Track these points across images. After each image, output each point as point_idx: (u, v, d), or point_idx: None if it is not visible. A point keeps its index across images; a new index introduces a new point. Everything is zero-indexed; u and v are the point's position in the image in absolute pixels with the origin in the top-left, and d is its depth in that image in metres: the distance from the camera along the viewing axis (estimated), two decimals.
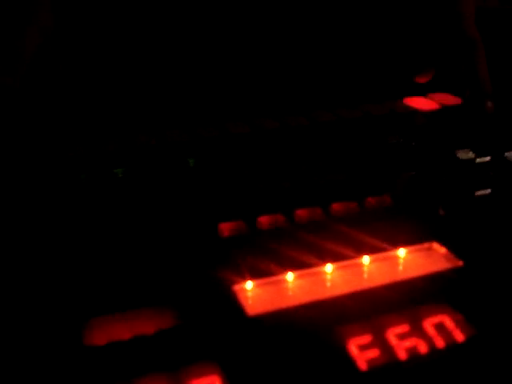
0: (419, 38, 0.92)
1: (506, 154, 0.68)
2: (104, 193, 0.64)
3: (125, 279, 0.50)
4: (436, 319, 0.46)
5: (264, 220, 0.58)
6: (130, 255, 0.52)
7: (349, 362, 0.42)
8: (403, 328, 0.45)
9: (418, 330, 0.45)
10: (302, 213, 0.59)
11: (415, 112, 0.80)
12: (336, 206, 0.60)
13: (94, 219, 0.57)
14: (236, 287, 0.49)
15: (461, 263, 0.52)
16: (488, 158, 0.67)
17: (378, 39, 0.94)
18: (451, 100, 0.83)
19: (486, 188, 0.64)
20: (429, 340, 0.44)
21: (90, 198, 0.62)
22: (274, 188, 0.62)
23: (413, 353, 0.43)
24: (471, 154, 0.67)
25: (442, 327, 0.45)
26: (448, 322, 0.45)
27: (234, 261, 0.52)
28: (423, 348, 0.43)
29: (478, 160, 0.67)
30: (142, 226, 0.56)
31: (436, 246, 0.55)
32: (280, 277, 0.51)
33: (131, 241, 0.54)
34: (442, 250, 0.54)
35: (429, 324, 0.45)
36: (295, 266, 0.52)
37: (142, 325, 0.45)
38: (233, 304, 0.47)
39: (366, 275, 0.52)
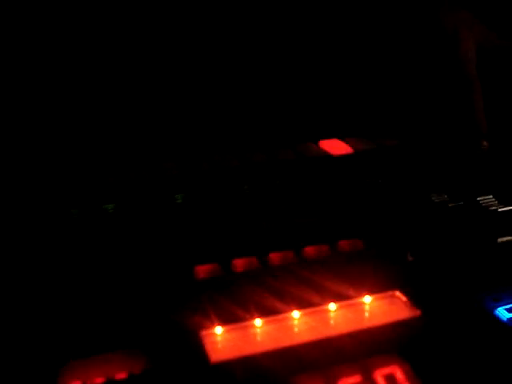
0: (415, 76, 0.94)
1: (479, 198, 0.70)
2: (93, 229, 0.68)
3: (100, 322, 0.53)
4: (387, 370, 0.49)
5: (238, 263, 0.61)
6: (107, 297, 0.56)
7: None
8: (355, 379, 0.48)
9: (368, 381, 0.48)
10: (275, 256, 0.62)
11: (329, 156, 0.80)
12: (308, 250, 0.63)
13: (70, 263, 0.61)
14: (204, 332, 0.52)
15: (419, 313, 0.55)
16: (461, 202, 0.70)
17: (369, 78, 0.96)
18: (365, 145, 0.83)
19: (459, 233, 0.66)
20: None
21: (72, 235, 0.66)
22: (251, 230, 0.66)
23: None
24: (445, 198, 0.70)
25: (392, 379, 0.48)
26: (398, 373, 0.48)
27: (206, 304, 0.55)
28: None
29: (451, 204, 0.69)
30: (119, 266, 0.60)
31: (398, 294, 0.57)
32: (248, 322, 0.54)
33: (108, 283, 0.58)
34: (404, 298, 0.57)
35: (379, 375, 0.48)
36: (264, 311, 0.55)
37: (115, 369, 0.49)
38: (199, 350, 0.50)
39: (330, 322, 0.55)
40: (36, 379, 0.47)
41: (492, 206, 0.69)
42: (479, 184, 0.73)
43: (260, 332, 0.54)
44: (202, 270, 0.60)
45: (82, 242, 0.65)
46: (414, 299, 0.56)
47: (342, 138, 0.81)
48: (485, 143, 0.85)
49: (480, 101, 0.87)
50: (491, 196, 0.70)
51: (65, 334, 0.51)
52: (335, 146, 0.81)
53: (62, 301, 0.55)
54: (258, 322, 0.54)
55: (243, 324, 0.54)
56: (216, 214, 0.69)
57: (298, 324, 0.55)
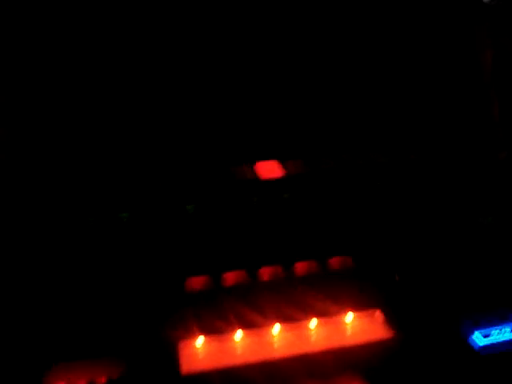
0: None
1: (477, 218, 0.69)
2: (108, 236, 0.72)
3: (89, 328, 0.57)
4: None
5: (229, 277, 0.64)
6: (101, 303, 0.60)
7: None
8: None
9: None
10: (265, 271, 0.64)
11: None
12: (299, 266, 0.65)
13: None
14: (183, 343, 0.55)
15: (392, 335, 0.55)
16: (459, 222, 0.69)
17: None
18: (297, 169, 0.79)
19: (450, 253, 0.66)
20: None
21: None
22: (245, 244, 0.68)
23: None
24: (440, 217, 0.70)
25: None
26: None
27: (192, 316, 0.58)
28: None
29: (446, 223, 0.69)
30: (118, 275, 0.64)
31: (378, 313, 0.58)
32: (229, 335, 0.57)
33: (104, 289, 0.61)
34: (382, 318, 0.58)
35: None
36: (247, 324, 0.58)
37: (96, 373, 0.53)
38: (174, 360, 0.54)
39: (307, 338, 0.57)
40: (25, 376, 0.52)
41: (487, 227, 0.68)
42: (481, 201, 0.72)
43: (238, 345, 0.56)
44: (193, 282, 0.63)
45: (90, 248, 0.69)
46: (393, 319, 0.57)
47: (281, 160, 0.79)
48: (503, 154, 0.83)
49: (496, 109, 0.85)
50: (490, 217, 0.70)
51: (54, 338, 0.56)
52: (269, 169, 0.79)
53: (56, 305, 0.59)
54: (238, 334, 0.57)
55: (224, 336, 0.57)
56: (217, 226, 0.72)
57: (277, 339, 0.57)
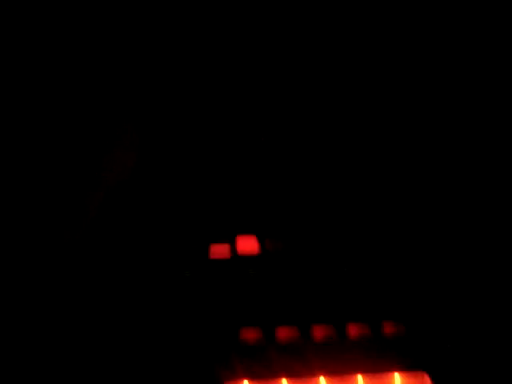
0: None
1: None
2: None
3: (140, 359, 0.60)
4: None
5: (281, 332, 0.65)
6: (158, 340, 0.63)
7: None
8: None
9: None
10: (317, 329, 0.66)
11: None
12: (351, 327, 0.66)
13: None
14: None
15: None
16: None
17: None
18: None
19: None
20: None
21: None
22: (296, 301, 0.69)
23: None
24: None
25: None
26: None
27: (240, 361, 0.60)
28: None
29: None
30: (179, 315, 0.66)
31: (426, 378, 0.58)
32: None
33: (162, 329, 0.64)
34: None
35: None
36: (293, 375, 0.59)
37: None
38: None
39: None
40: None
41: None
42: None
43: None
44: (247, 333, 0.65)
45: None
46: None
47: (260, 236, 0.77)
48: None
49: None
50: None
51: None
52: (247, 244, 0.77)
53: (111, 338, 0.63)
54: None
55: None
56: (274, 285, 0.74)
57: None
